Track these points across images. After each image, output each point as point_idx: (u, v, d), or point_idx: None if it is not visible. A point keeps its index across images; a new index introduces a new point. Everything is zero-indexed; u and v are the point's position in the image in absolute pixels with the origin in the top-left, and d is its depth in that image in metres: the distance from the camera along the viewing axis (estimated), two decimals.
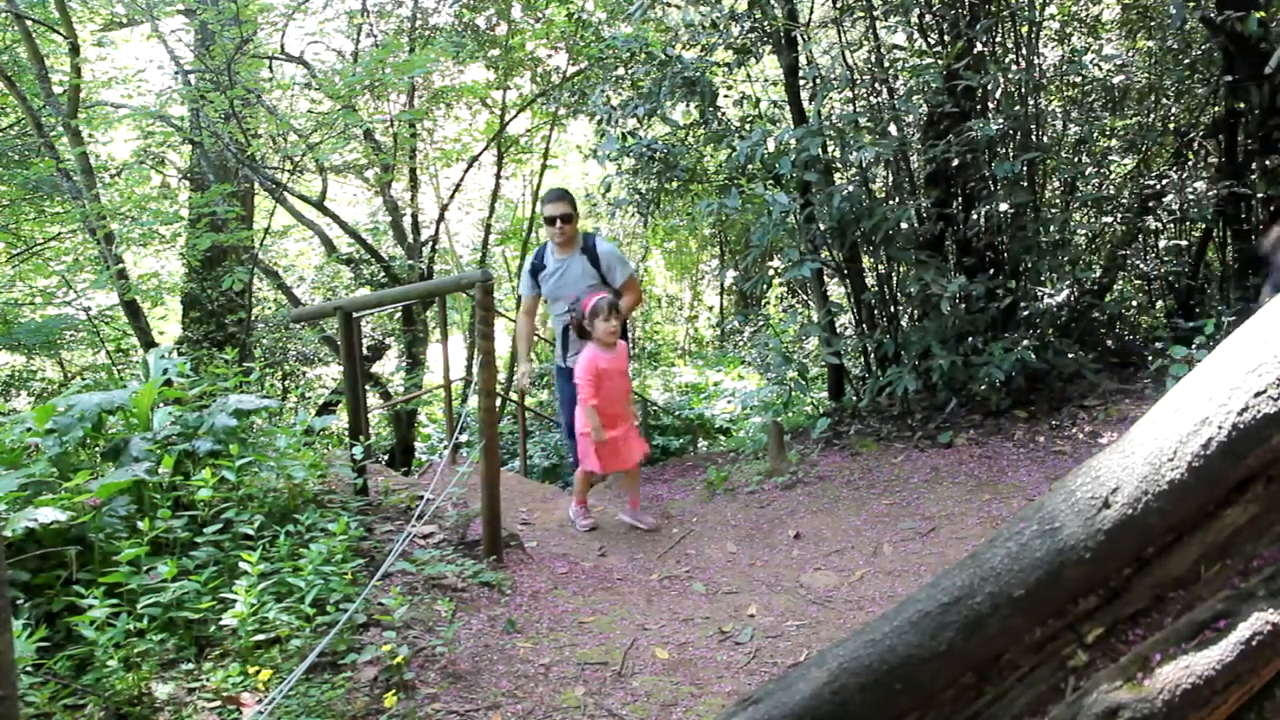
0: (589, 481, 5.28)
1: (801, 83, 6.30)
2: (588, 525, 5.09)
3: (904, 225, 5.88)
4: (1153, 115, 6.48)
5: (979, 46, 5.62)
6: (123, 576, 2.86)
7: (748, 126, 6.40)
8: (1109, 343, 6.27)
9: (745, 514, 5.15)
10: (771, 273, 8.59)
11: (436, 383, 9.32)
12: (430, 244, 10.98)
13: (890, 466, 5.43)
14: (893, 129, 6.06)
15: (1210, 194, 5.87)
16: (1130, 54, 6.60)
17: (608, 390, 4.85)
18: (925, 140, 6.01)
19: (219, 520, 3.32)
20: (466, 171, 11.08)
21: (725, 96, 6.62)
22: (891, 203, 6.02)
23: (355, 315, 4.48)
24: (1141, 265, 6.80)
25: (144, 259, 11.49)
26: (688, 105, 6.55)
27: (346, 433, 4.42)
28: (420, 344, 11.17)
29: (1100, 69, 5.98)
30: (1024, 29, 5.80)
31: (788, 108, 6.59)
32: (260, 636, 2.86)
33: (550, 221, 5.26)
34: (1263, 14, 4.80)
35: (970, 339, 5.70)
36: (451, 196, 11.40)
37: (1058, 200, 6.23)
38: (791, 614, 3.76)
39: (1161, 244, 6.93)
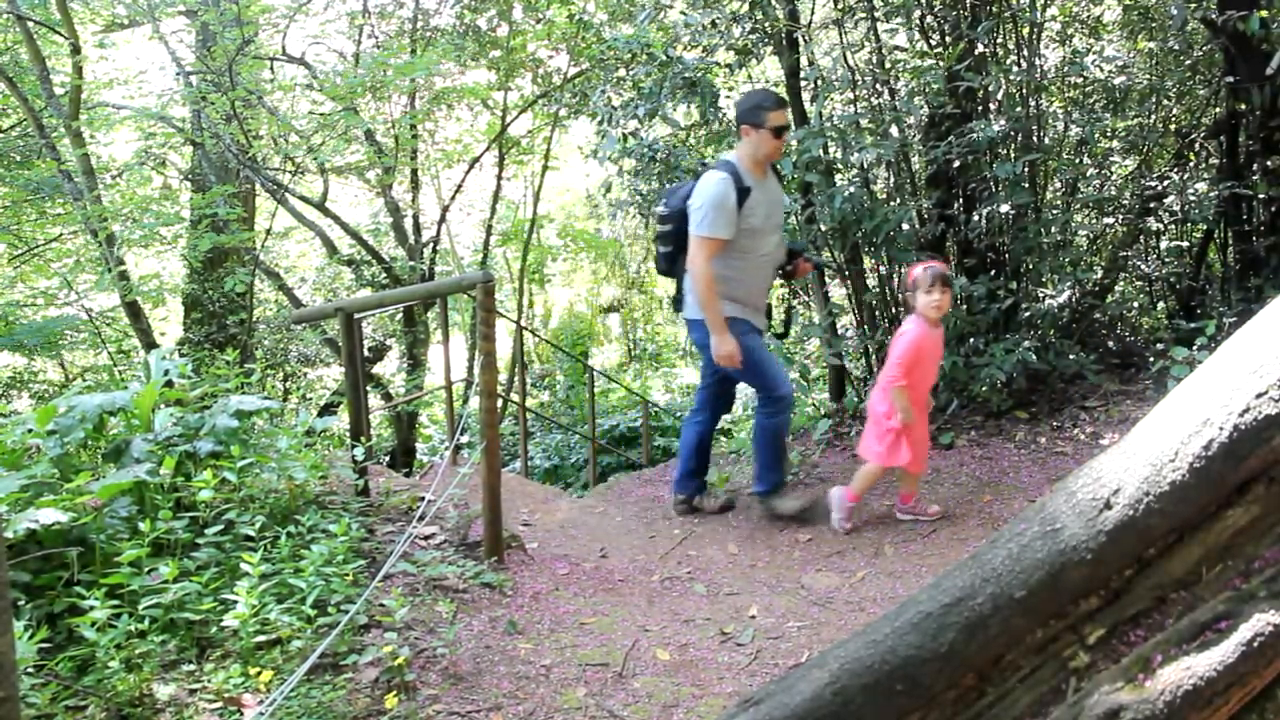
0: (879, 476, 4.70)
1: (803, 84, 6.30)
2: (849, 528, 4.68)
3: (905, 226, 5.87)
4: (1154, 116, 6.48)
5: (980, 48, 5.62)
6: (124, 578, 2.86)
7: None
8: (1110, 344, 6.26)
9: (746, 515, 5.14)
10: None
11: (438, 384, 9.33)
12: (431, 245, 10.99)
13: (891, 466, 5.42)
14: (894, 130, 6.06)
15: (1211, 195, 5.87)
16: (1131, 55, 6.59)
17: (924, 373, 4.41)
18: (926, 141, 6.01)
19: (220, 521, 3.32)
20: (468, 173, 11.08)
21: (726, 97, 6.62)
22: (893, 204, 6.02)
23: (356, 316, 4.48)
24: (1143, 266, 6.80)
25: (145, 260, 11.50)
26: (689, 106, 6.55)
27: (348, 434, 4.42)
28: (421, 345, 11.17)
29: (1101, 70, 5.97)
30: (1025, 30, 5.80)
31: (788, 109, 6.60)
32: (261, 638, 2.86)
33: (778, 133, 4.42)
34: (1264, 14, 4.79)
35: (971, 340, 5.70)
36: (453, 198, 11.40)
37: (1059, 201, 6.22)
38: (793, 615, 3.76)
39: (1163, 245, 6.92)
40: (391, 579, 3.51)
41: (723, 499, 5.25)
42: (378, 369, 12.33)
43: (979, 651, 1.76)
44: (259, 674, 2.72)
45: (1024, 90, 5.67)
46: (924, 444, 4.55)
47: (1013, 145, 5.70)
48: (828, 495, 4.79)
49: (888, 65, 6.19)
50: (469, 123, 11.59)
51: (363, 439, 4.29)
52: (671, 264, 4.77)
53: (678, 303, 4.86)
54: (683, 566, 4.46)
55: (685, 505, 5.27)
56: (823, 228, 5.98)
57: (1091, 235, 6.60)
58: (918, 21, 5.97)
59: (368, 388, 7.69)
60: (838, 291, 6.98)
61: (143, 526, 3.00)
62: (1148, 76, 6.43)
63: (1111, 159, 6.59)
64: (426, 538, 4.07)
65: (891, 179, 6.42)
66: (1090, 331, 6.17)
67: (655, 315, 20.55)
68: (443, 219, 11.36)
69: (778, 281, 5.39)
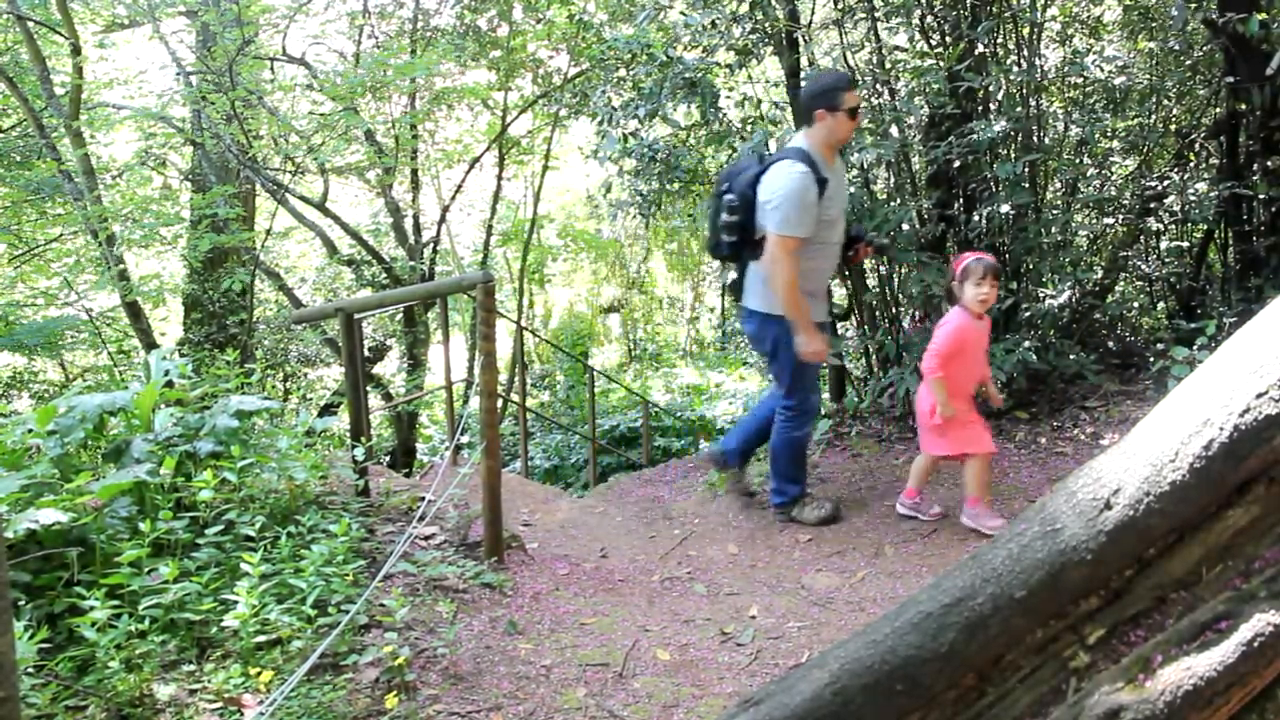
0: (934, 467, 4.68)
1: (803, 84, 6.30)
2: (939, 512, 4.62)
3: (905, 226, 5.88)
4: (1154, 116, 6.47)
5: (980, 48, 5.62)
6: (124, 578, 2.86)
7: (749, 128, 6.40)
8: (1110, 344, 6.26)
9: (746, 515, 5.14)
10: None
11: (438, 384, 9.33)
12: (432, 245, 10.99)
13: (892, 467, 5.43)
14: (894, 130, 6.06)
15: (1212, 195, 5.87)
16: (1131, 55, 6.59)
17: (967, 364, 4.30)
18: (926, 141, 6.01)
19: (220, 521, 3.32)
20: (468, 173, 11.08)
21: (727, 98, 6.62)
22: (893, 204, 6.02)
23: (357, 316, 4.48)
24: (1143, 266, 6.79)
25: (145, 260, 11.51)
26: (689, 106, 6.55)
27: (348, 434, 4.42)
28: (421, 345, 11.18)
29: (1102, 70, 5.97)
30: (1025, 30, 5.80)
31: (789, 109, 6.60)
32: (262, 638, 2.86)
33: (853, 114, 4.22)
34: (1264, 15, 4.79)
35: None
36: (453, 198, 11.41)
37: (1059, 201, 6.22)
38: (793, 615, 3.76)
39: (1163, 245, 6.92)
40: (392, 579, 3.51)
41: (827, 509, 4.81)
42: (378, 369, 12.34)
43: (979, 651, 1.76)
44: (259, 674, 2.72)
45: (1024, 90, 5.67)
46: (973, 434, 4.33)
47: (1013, 145, 5.70)
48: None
49: (888, 65, 6.19)
50: (469, 123, 11.60)
51: (363, 439, 4.29)
52: (737, 251, 4.51)
53: (737, 289, 4.60)
54: (683, 566, 4.46)
55: (784, 515, 4.93)
56: None
57: (1092, 235, 6.60)
58: (918, 21, 5.97)
59: (368, 388, 7.69)
60: (838, 291, 6.98)
61: (143, 527, 3.00)
62: (1148, 77, 6.43)
63: (1112, 159, 6.59)
64: (427, 538, 4.07)
65: (892, 179, 6.43)
66: (1090, 331, 6.17)
67: (655, 315, 20.57)
68: (443, 219, 11.37)
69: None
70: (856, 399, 6.57)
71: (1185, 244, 6.88)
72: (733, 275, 4.72)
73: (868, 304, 6.39)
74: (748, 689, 3.02)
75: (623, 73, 6.84)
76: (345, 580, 3.19)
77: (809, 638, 3.52)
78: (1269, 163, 5.61)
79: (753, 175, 4.32)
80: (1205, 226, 6.37)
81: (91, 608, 2.67)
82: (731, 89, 6.73)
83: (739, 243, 4.46)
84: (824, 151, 4.24)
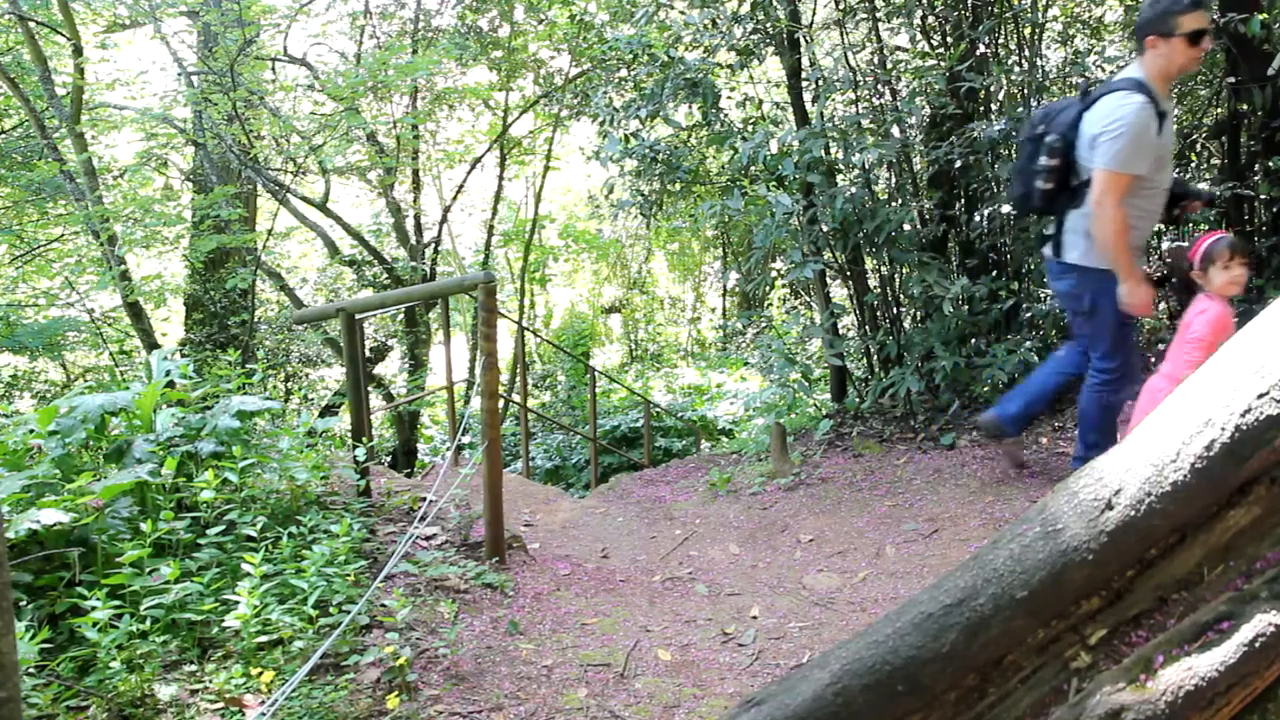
0: None
1: (804, 84, 6.30)
2: None
3: (907, 227, 5.88)
4: None
5: (982, 48, 5.62)
6: (125, 578, 2.86)
7: (750, 128, 6.40)
8: None
9: (748, 515, 5.14)
10: (774, 274, 8.59)
11: (439, 384, 9.33)
12: (433, 246, 11.01)
13: (893, 468, 5.43)
14: (895, 130, 6.06)
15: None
16: (1132, 55, 6.58)
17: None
18: (928, 142, 6.01)
19: (222, 522, 3.32)
20: (469, 173, 11.10)
21: (728, 98, 6.62)
22: (894, 204, 6.02)
23: (358, 317, 4.48)
24: (1144, 267, 6.79)
25: (147, 261, 11.52)
26: (690, 107, 6.55)
27: (349, 434, 4.42)
28: (423, 345, 11.19)
29: (1103, 70, 5.97)
30: (1027, 30, 5.80)
31: (790, 109, 6.60)
32: (263, 638, 2.86)
33: (1194, 39, 3.64)
34: (1265, 16, 4.78)
35: (973, 340, 5.69)
36: (454, 198, 11.42)
37: None
38: (794, 615, 3.76)
39: (1164, 245, 6.92)
40: (393, 579, 3.51)
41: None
42: (379, 369, 12.35)
43: (980, 652, 1.76)
44: (260, 674, 2.72)
45: (1025, 91, 5.67)
46: None
47: (1014, 146, 5.70)
48: None
49: (889, 66, 6.19)
50: (470, 123, 11.62)
51: (364, 439, 4.29)
52: (1051, 202, 4.05)
53: (1057, 244, 4.11)
54: (684, 567, 4.46)
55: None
56: (824, 228, 5.98)
57: None
58: (919, 22, 5.97)
59: (369, 388, 7.69)
60: (839, 292, 6.98)
61: (144, 527, 3.00)
62: None
63: None
64: (428, 538, 4.07)
65: (893, 179, 6.43)
66: None
67: (656, 315, 20.57)
68: (444, 219, 11.40)
69: (780, 283, 5.32)
70: (857, 399, 6.57)
71: (1186, 245, 6.87)
72: (1049, 229, 4.27)
73: (869, 305, 6.39)
74: (749, 689, 3.02)
75: (624, 73, 6.84)
76: (347, 580, 3.19)
77: (810, 638, 3.52)
78: (1270, 163, 5.61)
79: (1075, 114, 3.90)
80: (1206, 227, 6.36)
81: (93, 608, 2.67)
82: (733, 89, 6.74)
83: (1055, 191, 4.02)
84: (1159, 83, 3.72)
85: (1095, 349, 4.23)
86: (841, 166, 6.16)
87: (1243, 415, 1.64)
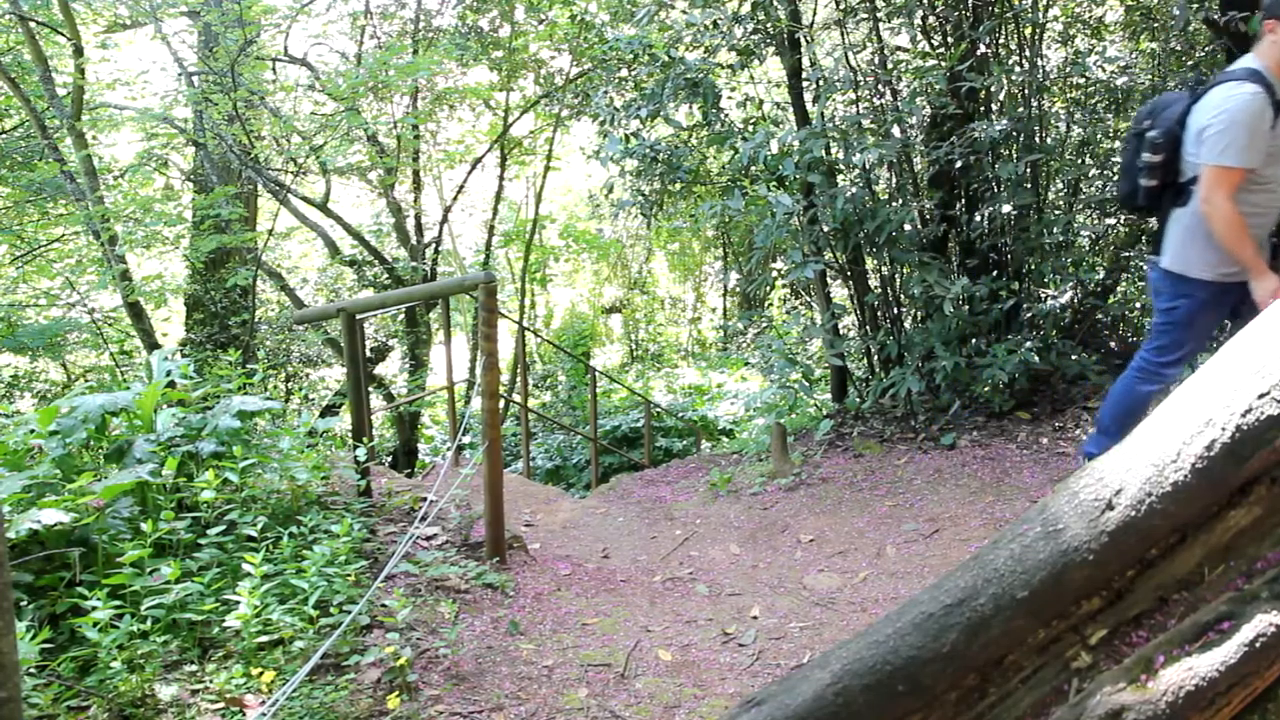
0: None
1: (805, 84, 6.30)
2: None
3: (907, 227, 5.88)
4: None
5: (982, 48, 5.62)
6: (126, 578, 2.86)
7: (751, 128, 6.40)
8: (1112, 344, 6.26)
9: (748, 515, 5.14)
10: (775, 274, 8.59)
11: (439, 384, 9.33)
12: (433, 246, 11.01)
13: (893, 468, 5.43)
14: (896, 130, 6.06)
15: None
16: (1133, 56, 6.59)
17: None
18: (928, 142, 6.01)
19: (222, 522, 3.32)
20: (470, 173, 11.10)
21: (728, 98, 6.62)
22: (895, 204, 6.02)
23: (358, 317, 4.48)
24: (1145, 267, 6.79)
25: (147, 261, 11.52)
26: (691, 107, 6.55)
27: (350, 434, 4.42)
28: (423, 346, 11.19)
29: (1104, 71, 5.97)
30: (1027, 31, 5.80)
31: (791, 109, 6.60)
32: (263, 638, 2.86)
33: None
34: None
35: (973, 341, 5.69)
36: (455, 198, 11.42)
37: (1061, 202, 6.22)
38: (795, 615, 3.76)
39: None
40: (394, 579, 3.52)
41: None
42: (380, 369, 12.35)
43: (981, 652, 1.76)
44: (261, 674, 2.72)
45: (1026, 91, 5.67)
46: None
47: (1015, 146, 5.70)
48: None
49: (890, 66, 6.19)
50: (471, 123, 11.62)
51: (365, 439, 4.29)
52: (1156, 200, 3.86)
53: (1158, 243, 3.93)
54: (685, 567, 4.46)
55: None
56: (825, 228, 5.98)
57: (1094, 236, 6.59)
58: (920, 22, 5.97)
59: (370, 388, 7.68)
60: (839, 292, 6.98)
61: (145, 527, 3.00)
62: (1150, 77, 6.42)
63: (1114, 159, 6.58)
64: (429, 538, 4.07)
65: (893, 179, 6.43)
66: (1092, 332, 6.17)
67: (657, 315, 20.57)
68: (445, 220, 11.40)
69: (781, 283, 5.31)
70: (858, 399, 6.57)
71: None
72: (1155, 224, 4.05)
73: (869, 305, 6.39)
74: (750, 689, 3.02)
75: (624, 73, 6.84)
76: (347, 581, 3.19)
77: (811, 638, 3.52)
78: None
79: (1183, 108, 3.70)
80: None
81: (93, 608, 2.67)
82: (733, 89, 6.74)
83: (1160, 188, 3.82)
84: (1277, 71, 3.47)
85: (1154, 339, 4.09)
86: (842, 166, 6.16)
87: (1243, 415, 1.64)
